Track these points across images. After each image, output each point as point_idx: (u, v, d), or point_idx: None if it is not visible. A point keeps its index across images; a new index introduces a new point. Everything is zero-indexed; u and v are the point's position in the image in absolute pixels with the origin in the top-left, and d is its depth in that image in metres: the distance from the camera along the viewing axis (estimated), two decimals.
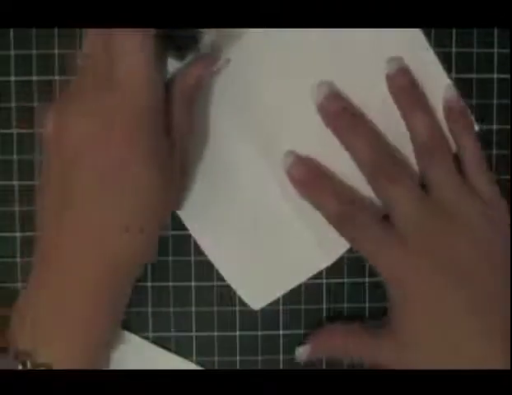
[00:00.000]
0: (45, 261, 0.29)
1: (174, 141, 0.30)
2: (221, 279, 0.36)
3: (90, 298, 0.28)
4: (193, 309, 0.36)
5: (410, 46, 0.35)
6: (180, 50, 0.32)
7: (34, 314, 0.29)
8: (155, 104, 0.29)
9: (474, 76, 0.36)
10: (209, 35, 0.34)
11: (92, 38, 0.30)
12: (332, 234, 0.34)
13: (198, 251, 0.36)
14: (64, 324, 0.28)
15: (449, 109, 0.34)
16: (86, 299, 0.28)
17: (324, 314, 0.36)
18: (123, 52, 0.28)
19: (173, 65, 0.33)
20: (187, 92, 0.32)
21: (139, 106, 0.28)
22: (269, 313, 0.36)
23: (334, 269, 0.36)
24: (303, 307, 0.36)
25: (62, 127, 0.29)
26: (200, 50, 0.33)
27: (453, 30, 0.35)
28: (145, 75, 0.28)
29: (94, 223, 0.28)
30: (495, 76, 0.36)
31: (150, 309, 0.36)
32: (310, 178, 0.34)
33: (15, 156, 0.36)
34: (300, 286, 0.36)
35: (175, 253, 0.36)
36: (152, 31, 0.29)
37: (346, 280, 0.36)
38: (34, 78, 0.36)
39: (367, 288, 0.36)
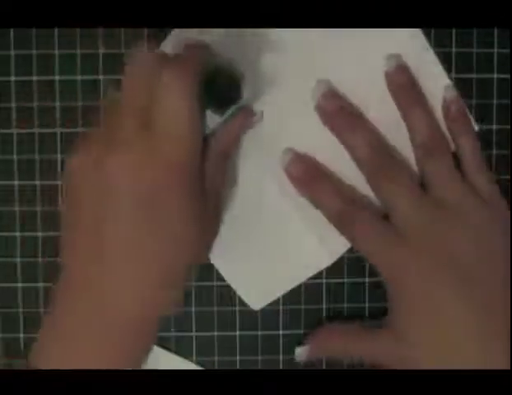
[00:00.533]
0: (71, 291, 0.28)
1: (207, 195, 0.30)
2: (221, 279, 0.36)
3: (115, 344, 0.27)
4: (193, 308, 0.36)
5: (410, 46, 0.35)
6: (222, 106, 0.31)
7: (60, 342, 0.27)
8: (193, 154, 0.28)
9: (474, 76, 0.36)
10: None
11: (135, 71, 0.28)
12: (332, 233, 0.34)
13: None
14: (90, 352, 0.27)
15: (448, 109, 0.34)
16: (111, 345, 0.27)
17: (324, 314, 0.36)
18: (168, 94, 0.27)
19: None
20: (224, 149, 0.32)
21: (177, 153, 0.27)
22: (269, 313, 0.36)
23: (334, 269, 0.36)
24: (303, 307, 0.36)
25: (96, 163, 0.27)
26: (239, 104, 0.32)
27: (453, 30, 0.35)
28: (186, 122, 0.27)
29: (123, 277, 0.27)
30: (495, 76, 0.36)
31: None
32: (309, 176, 0.34)
33: (15, 156, 0.36)
34: (300, 286, 0.36)
35: None
36: (198, 78, 0.27)
37: (346, 280, 0.36)
38: (35, 78, 0.36)
39: (367, 288, 0.36)
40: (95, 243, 0.27)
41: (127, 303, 0.27)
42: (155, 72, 0.27)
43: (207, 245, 0.32)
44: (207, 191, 0.30)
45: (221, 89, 0.31)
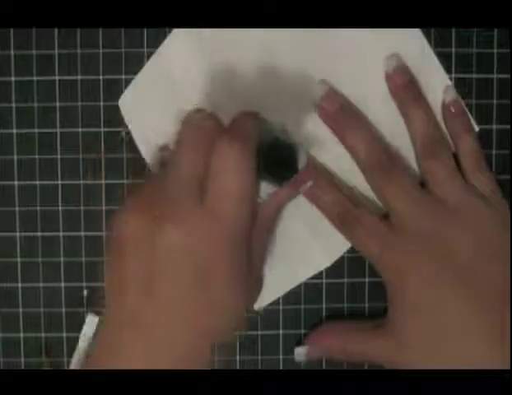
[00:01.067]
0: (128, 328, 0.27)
1: (252, 265, 0.30)
2: None
3: None
4: None
5: (410, 46, 0.35)
6: (277, 179, 0.30)
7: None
8: (244, 227, 0.27)
9: (474, 76, 0.36)
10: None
11: (191, 137, 0.28)
12: (332, 233, 0.34)
13: None
14: None
15: (448, 109, 0.34)
16: None
17: (324, 314, 0.36)
18: (225, 169, 0.26)
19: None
20: (270, 219, 0.32)
21: (229, 226, 0.26)
22: (269, 313, 0.36)
23: (334, 269, 0.36)
24: (303, 307, 0.36)
25: (148, 230, 0.26)
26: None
27: (453, 30, 0.35)
28: (242, 197, 0.27)
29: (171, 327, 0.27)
30: (495, 76, 0.36)
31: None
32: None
33: (15, 156, 0.36)
34: (300, 286, 0.36)
35: None
36: (255, 152, 0.27)
37: (346, 280, 0.36)
38: (35, 78, 0.36)
39: (367, 288, 0.36)
40: (144, 294, 0.26)
41: (176, 344, 0.27)
42: (211, 139, 0.27)
43: (248, 308, 0.33)
44: (253, 261, 0.30)
45: (277, 163, 0.30)
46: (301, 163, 0.29)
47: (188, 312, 0.26)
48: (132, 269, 0.27)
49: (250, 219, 0.28)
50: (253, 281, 0.31)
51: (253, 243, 0.29)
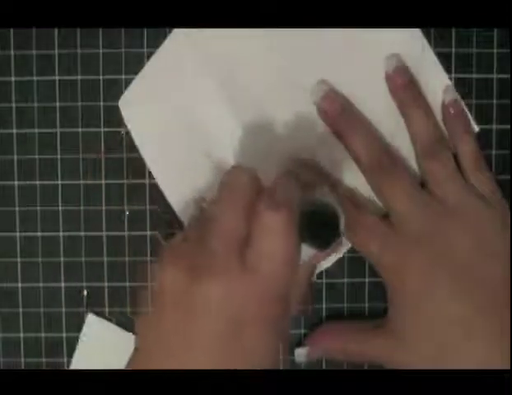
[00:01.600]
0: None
1: (286, 322, 0.29)
2: None
3: None
4: None
5: (410, 46, 0.35)
6: (318, 245, 0.29)
7: None
8: (284, 292, 0.27)
9: (474, 76, 0.36)
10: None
11: (231, 202, 0.27)
12: None
13: None
14: None
15: (447, 109, 0.34)
16: None
17: (324, 314, 0.36)
18: (268, 230, 0.26)
19: None
20: (307, 280, 0.32)
21: (269, 290, 0.26)
22: None
23: (334, 269, 0.36)
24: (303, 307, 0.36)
25: (187, 282, 0.26)
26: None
27: (453, 30, 0.35)
28: (283, 263, 0.26)
29: None
30: (495, 76, 0.36)
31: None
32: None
33: (15, 156, 0.36)
34: None
35: None
36: (297, 215, 0.27)
37: (346, 280, 0.36)
38: (35, 78, 0.36)
39: (367, 288, 0.36)
40: (179, 339, 0.26)
41: None
42: (251, 199, 0.27)
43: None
44: (286, 320, 0.29)
45: (319, 226, 0.29)
46: (342, 226, 0.29)
47: (223, 362, 0.26)
48: (172, 321, 0.26)
49: (290, 286, 0.27)
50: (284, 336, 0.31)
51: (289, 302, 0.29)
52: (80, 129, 0.36)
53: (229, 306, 0.26)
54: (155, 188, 0.36)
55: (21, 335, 0.36)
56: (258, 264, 0.26)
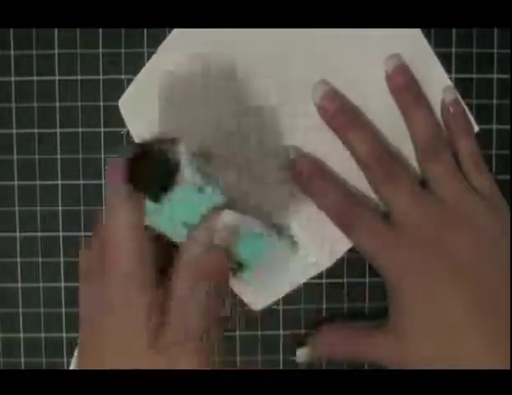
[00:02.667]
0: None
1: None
2: None
3: None
4: None
5: (410, 46, 0.35)
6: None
7: None
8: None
9: (474, 76, 0.36)
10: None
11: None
12: (332, 233, 0.34)
13: None
14: None
15: (448, 109, 0.34)
16: None
17: (324, 314, 0.36)
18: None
19: None
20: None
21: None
22: (269, 313, 0.36)
23: (334, 269, 0.36)
24: (303, 307, 0.36)
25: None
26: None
27: (453, 30, 0.35)
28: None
29: None
30: (495, 76, 0.36)
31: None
32: (314, 174, 0.34)
33: (15, 156, 0.36)
34: (300, 286, 0.36)
35: None
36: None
37: (346, 280, 0.36)
38: (35, 78, 0.36)
39: (367, 288, 0.36)
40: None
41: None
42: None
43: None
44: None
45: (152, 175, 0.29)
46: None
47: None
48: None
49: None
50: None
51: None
52: (80, 129, 0.36)
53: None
54: None
55: (21, 335, 0.36)
56: None
